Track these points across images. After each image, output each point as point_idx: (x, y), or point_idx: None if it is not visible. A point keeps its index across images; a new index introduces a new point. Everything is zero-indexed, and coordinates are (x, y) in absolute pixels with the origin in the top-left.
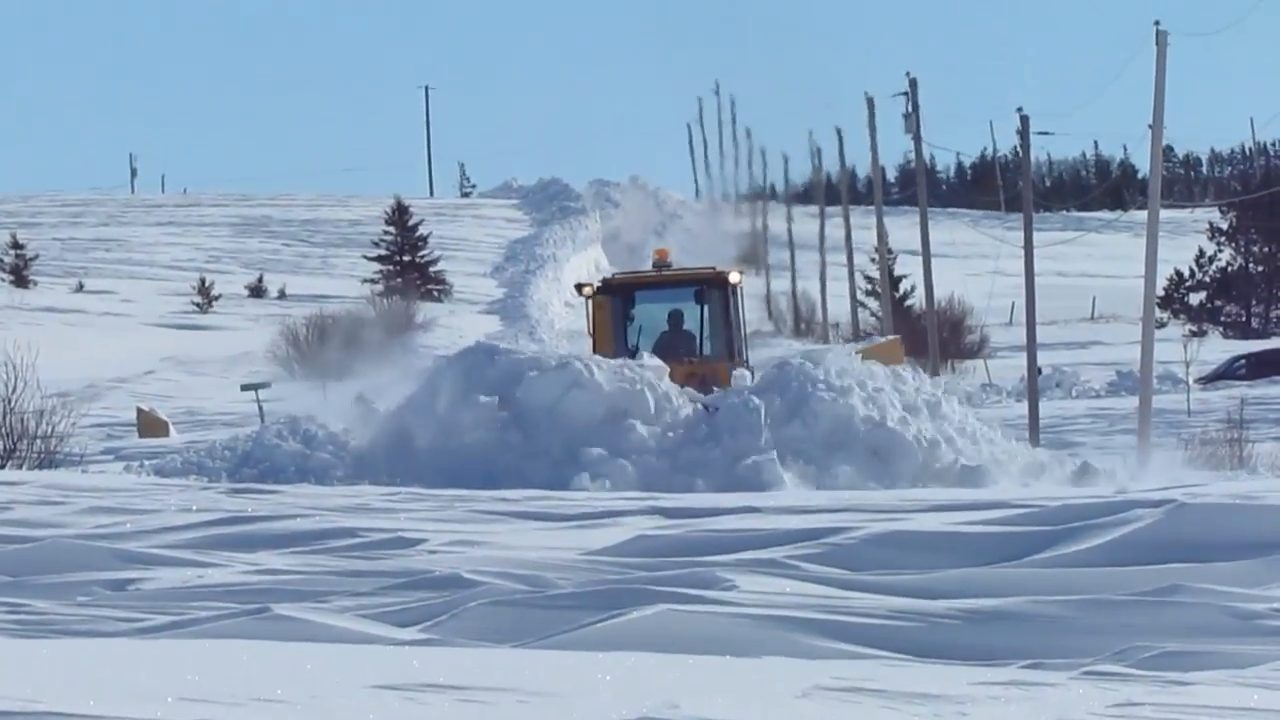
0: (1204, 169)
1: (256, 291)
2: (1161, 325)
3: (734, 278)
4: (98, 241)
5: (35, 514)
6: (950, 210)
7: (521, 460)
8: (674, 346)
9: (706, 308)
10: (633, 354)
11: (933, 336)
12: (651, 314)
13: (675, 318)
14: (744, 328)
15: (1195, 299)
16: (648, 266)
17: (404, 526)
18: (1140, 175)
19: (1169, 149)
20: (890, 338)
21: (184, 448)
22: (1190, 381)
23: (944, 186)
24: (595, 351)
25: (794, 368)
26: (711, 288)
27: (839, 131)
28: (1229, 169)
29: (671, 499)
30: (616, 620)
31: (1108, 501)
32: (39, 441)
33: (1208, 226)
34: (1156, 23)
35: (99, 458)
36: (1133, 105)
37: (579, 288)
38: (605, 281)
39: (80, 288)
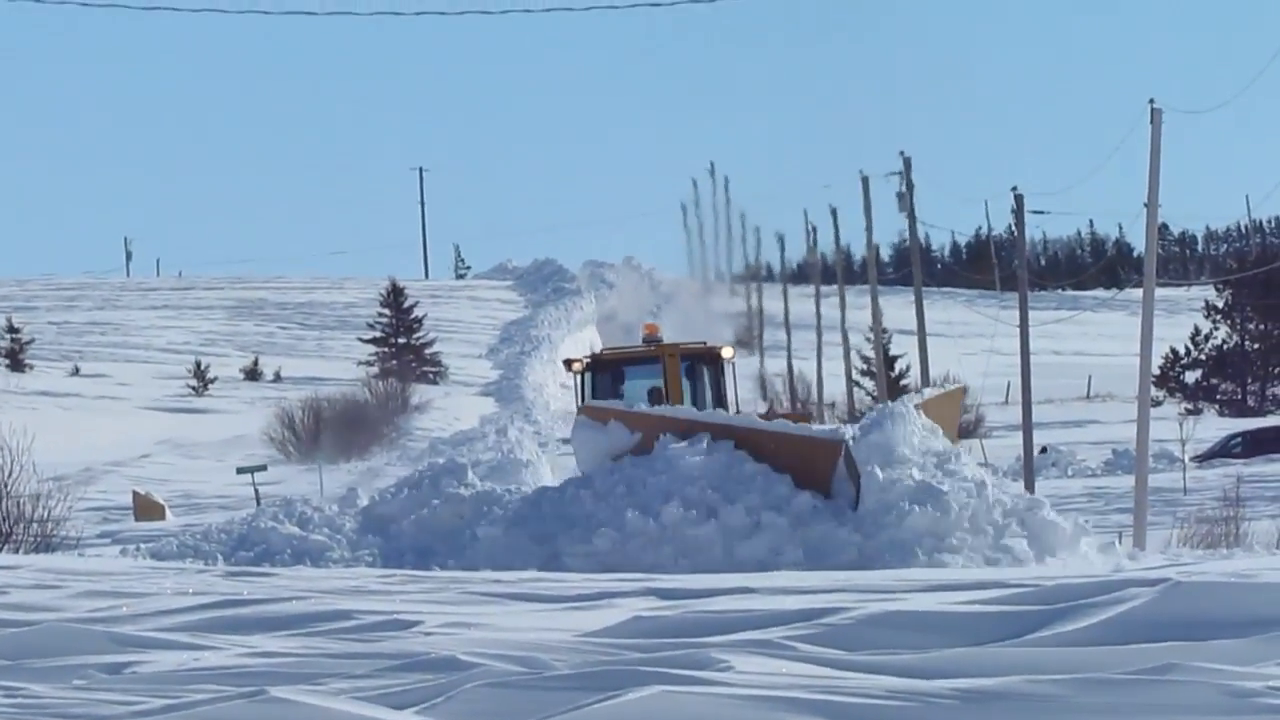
0: (1199, 247)
1: (252, 374)
2: (1157, 403)
3: (727, 353)
4: (93, 325)
5: (31, 598)
6: (945, 289)
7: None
8: None
9: (697, 382)
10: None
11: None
12: (640, 389)
13: (655, 395)
14: (737, 404)
15: (1191, 377)
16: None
17: (400, 608)
18: (1135, 253)
19: (1164, 227)
20: (954, 386)
21: (180, 531)
22: (1186, 460)
23: (939, 266)
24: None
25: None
26: (702, 362)
27: (833, 211)
28: (1224, 246)
29: (666, 580)
30: (612, 701)
31: (1104, 580)
32: (35, 525)
33: (1203, 304)
34: (1151, 100)
35: (95, 541)
36: (1128, 183)
37: (568, 363)
38: (595, 356)
39: (76, 371)
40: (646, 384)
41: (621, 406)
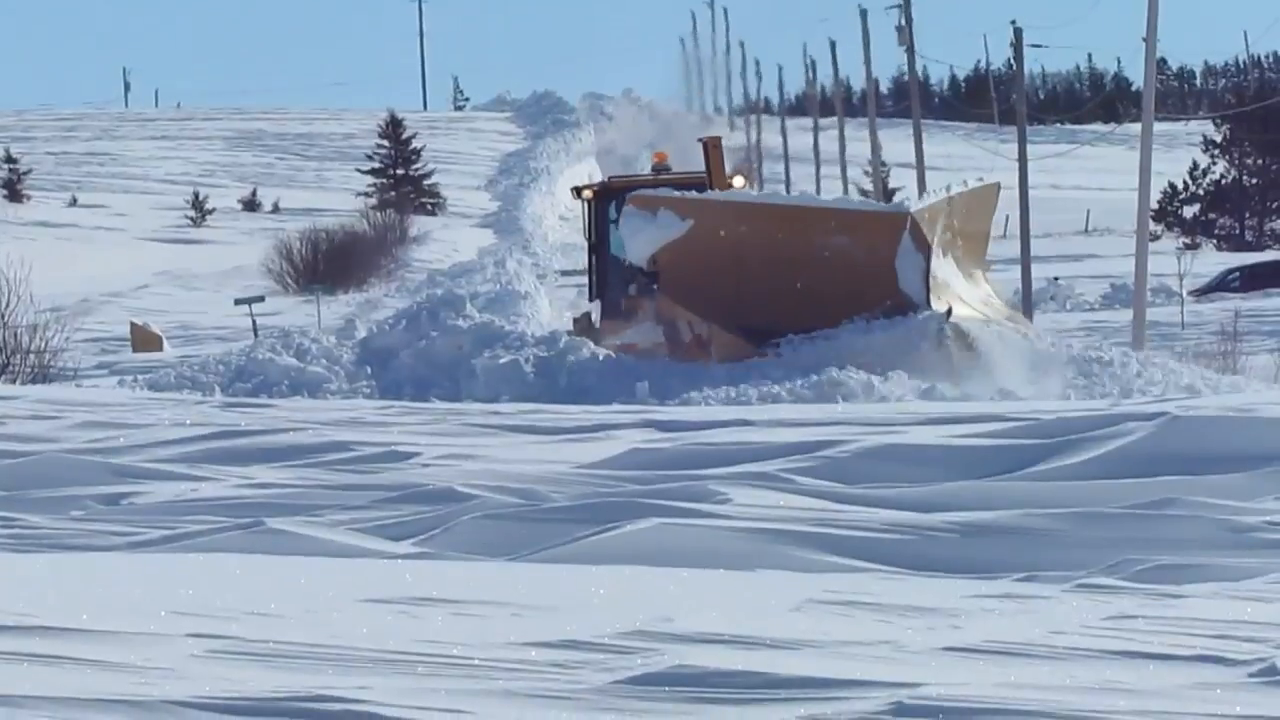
0: (1198, 82)
1: (250, 205)
2: (1155, 238)
3: (737, 182)
4: (91, 156)
5: (28, 429)
6: (944, 123)
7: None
8: None
9: None
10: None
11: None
12: None
13: None
14: None
15: (1189, 212)
16: (645, 173)
17: (397, 440)
18: (1134, 88)
19: (1162, 62)
20: (988, 182)
21: (177, 362)
22: (1184, 294)
23: (938, 100)
24: (591, 254)
25: None
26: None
27: (832, 44)
28: (1223, 82)
29: (665, 412)
30: (610, 534)
31: (1101, 414)
32: (32, 356)
33: (1201, 139)
34: None
35: (92, 372)
36: (1126, 18)
37: (576, 190)
38: (604, 184)
39: (74, 202)
40: None
41: (673, 193)
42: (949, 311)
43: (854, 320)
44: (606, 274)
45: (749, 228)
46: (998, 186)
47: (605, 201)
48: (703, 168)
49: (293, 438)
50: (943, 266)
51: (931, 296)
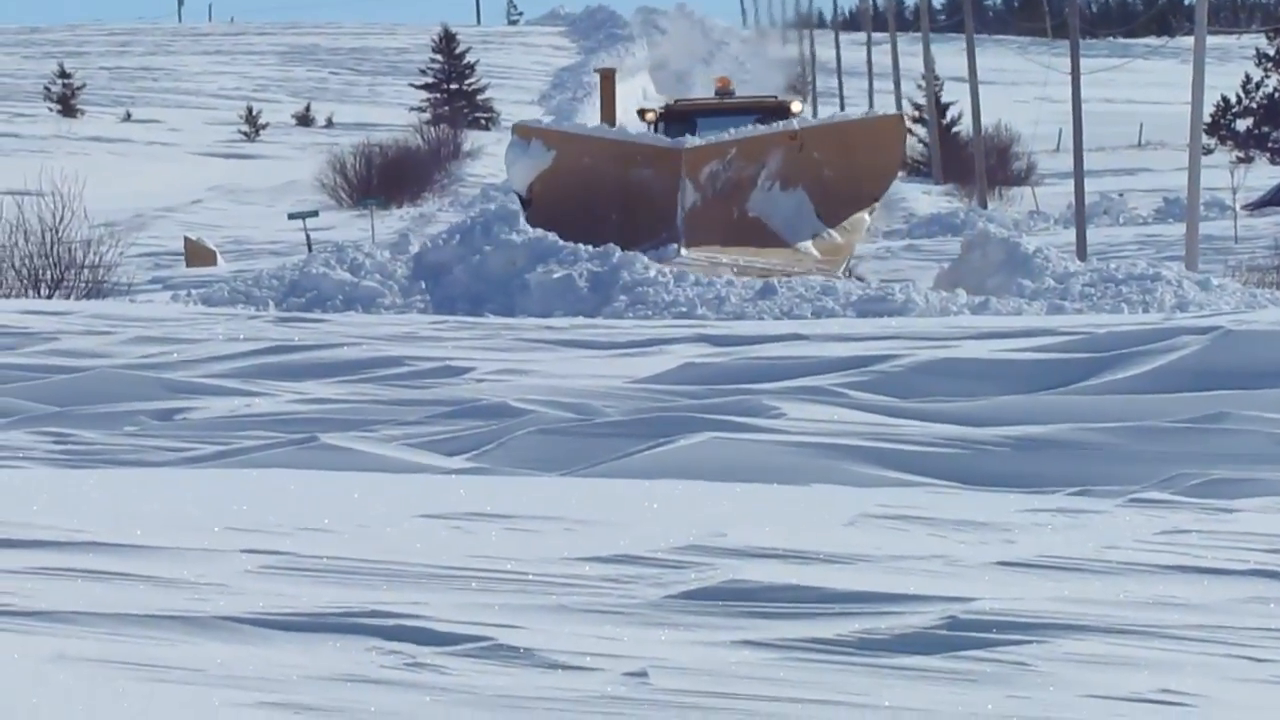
0: None
1: (304, 120)
2: (1208, 152)
3: (796, 107)
4: (144, 71)
5: (82, 344)
6: (997, 37)
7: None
8: None
9: None
10: None
11: (980, 163)
12: None
13: None
14: None
15: (1242, 125)
16: (697, 93)
17: (451, 355)
18: (1187, 2)
19: None
20: (890, 113)
21: (231, 277)
22: (1237, 208)
23: (991, 14)
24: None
25: None
26: (773, 116)
27: None
28: None
29: (719, 326)
30: (664, 448)
31: (1155, 328)
32: (86, 271)
33: (1255, 53)
34: None
35: (146, 287)
36: None
37: (641, 113)
38: (668, 107)
39: (127, 117)
40: (718, 136)
41: (543, 125)
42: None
43: (643, 249)
44: None
45: (591, 160)
46: (900, 117)
47: (669, 124)
48: (752, 84)
49: (346, 353)
50: (716, 205)
51: (685, 233)
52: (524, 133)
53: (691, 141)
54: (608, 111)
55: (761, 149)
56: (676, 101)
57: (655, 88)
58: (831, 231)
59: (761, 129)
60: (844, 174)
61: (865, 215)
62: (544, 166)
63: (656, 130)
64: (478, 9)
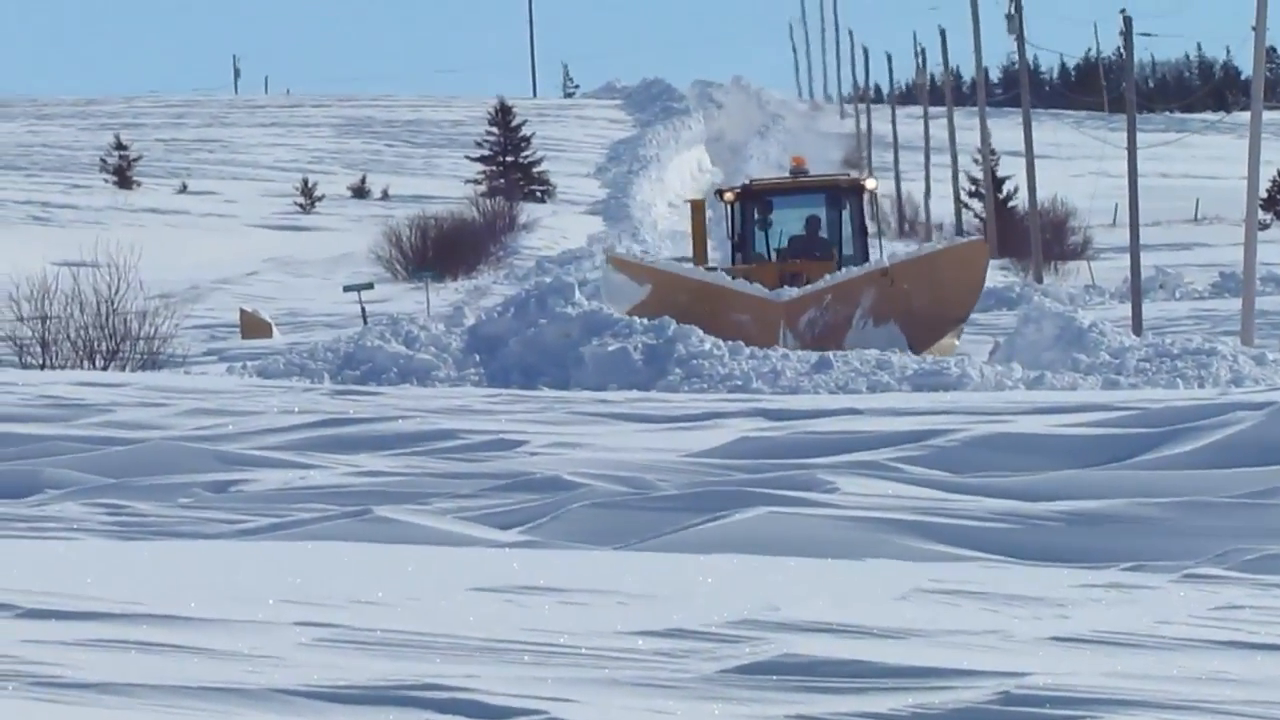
0: None
1: (359, 192)
2: (1265, 226)
3: (870, 184)
4: (201, 142)
5: (138, 416)
6: (1053, 111)
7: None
8: (807, 251)
9: (841, 213)
10: (771, 259)
11: (1036, 238)
12: (787, 219)
13: (812, 223)
14: (880, 236)
15: None
16: (753, 166)
17: (505, 428)
18: (1243, 76)
19: (1272, 50)
20: (974, 238)
21: (286, 349)
22: None
23: (1047, 88)
24: (735, 251)
25: None
26: (847, 194)
27: (942, 32)
28: None
29: (774, 400)
30: (718, 522)
31: (1210, 403)
32: (142, 343)
33: None
34: None
35: (202, 359)
36: (1235, 6)
37: (720, 193)
38: (745, 187)
39: (183, 189)
40: (794, 214)
41: (637, 259)
42: None
43: None
44: (749, 271)
45: (688, 299)
46: (984, 242)
47: (746, 203)
48: (835, 170)
49: (401, 425)
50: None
51: None
52: (618, 265)
53: (789, 293)
54: (698, 242)
55: (856, 290)
56: (753, 181)
57: (710, 160)
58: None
59: (855, 272)
60: (932, 302)
61: (954, 340)
62: (642, 297)
63: (734, 210)
64: (534, 81)
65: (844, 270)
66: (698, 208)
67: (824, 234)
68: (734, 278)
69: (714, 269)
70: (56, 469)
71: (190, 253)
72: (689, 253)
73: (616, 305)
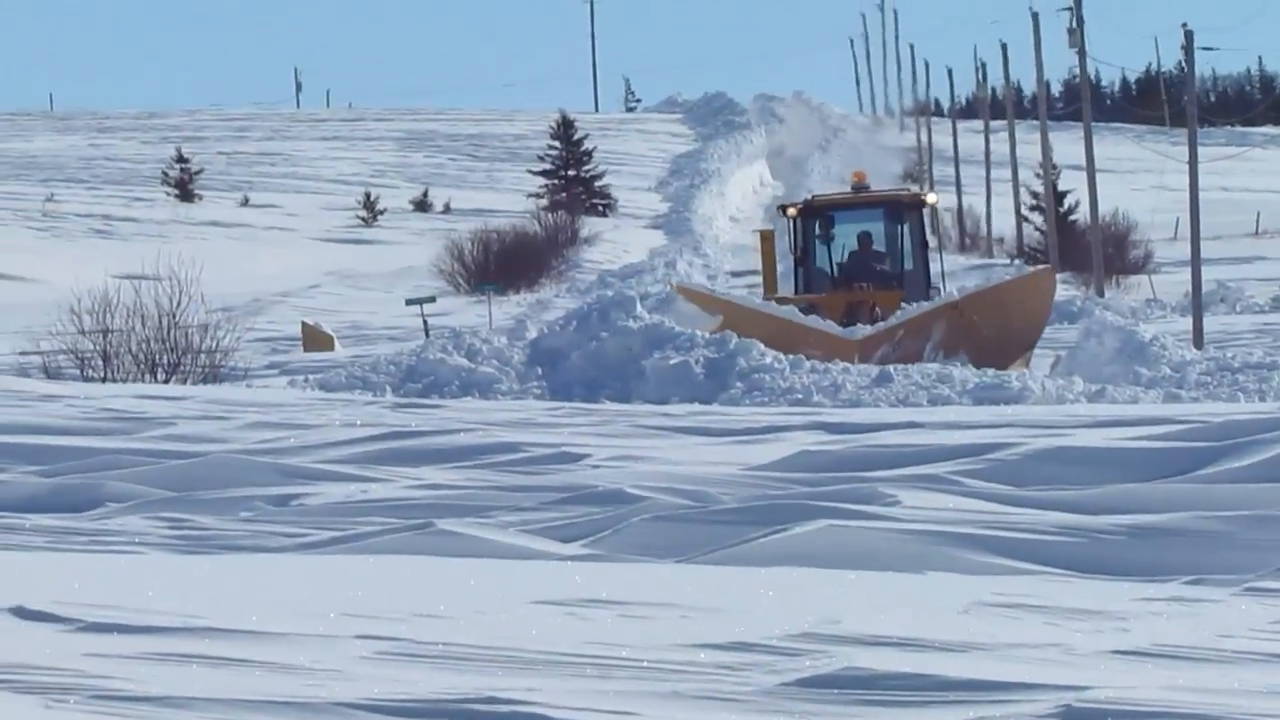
0: None
1: (421, 206)
2: None
3: (930, 199)
4: (263, 156)
5: (199, 429)
6: (1114, 125)
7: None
8: (863, 268)
9: (902, 228)
10: (830, 278)
11: (1097, 252)
12: (849, 234)
13: (864, 239)
14: (940, 251)
15: None
16: (814, 180)
17: (567, 441)
18: None
19: None
20: (1041, 267)
21: (348, 362)
22: None
23: (1108, 102)
24: (797, 266)
25: None
26: (908, 210)
27: (1003, 46)
28: None
29: (835, 413)
30: (779, 535)
31: (1271, 417)
32: (203, 356)
33: None
34: None
35: (263, 372)
36: None
37: (782, 208)
38: (807, 203)
39: (245, 202)
40: (855, 229)
41: (707, 290)
42: None
43: None
44: (810, 282)
45: (760, 333)
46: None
47: (808, 218)
48: (896, 185)
49: (463, 439)
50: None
51: None
52: (688, 295)
53: (863, 331)
54: (768, 272)
55: (927, 324)
56: (815, 197)
57: (772, 174)
58: None
59: (926, 306)
60: (1001, 331)
61: (1022, 367)
62: (712, 326)
63: (796, 225)
64: (595, 96)
65: (915, 305)
66: (766, 238)
67: (882, 248)
68: (802, 307)
69: (784, 298)
70: (118, 482)
71: (252, 266)
72: (748, 266)
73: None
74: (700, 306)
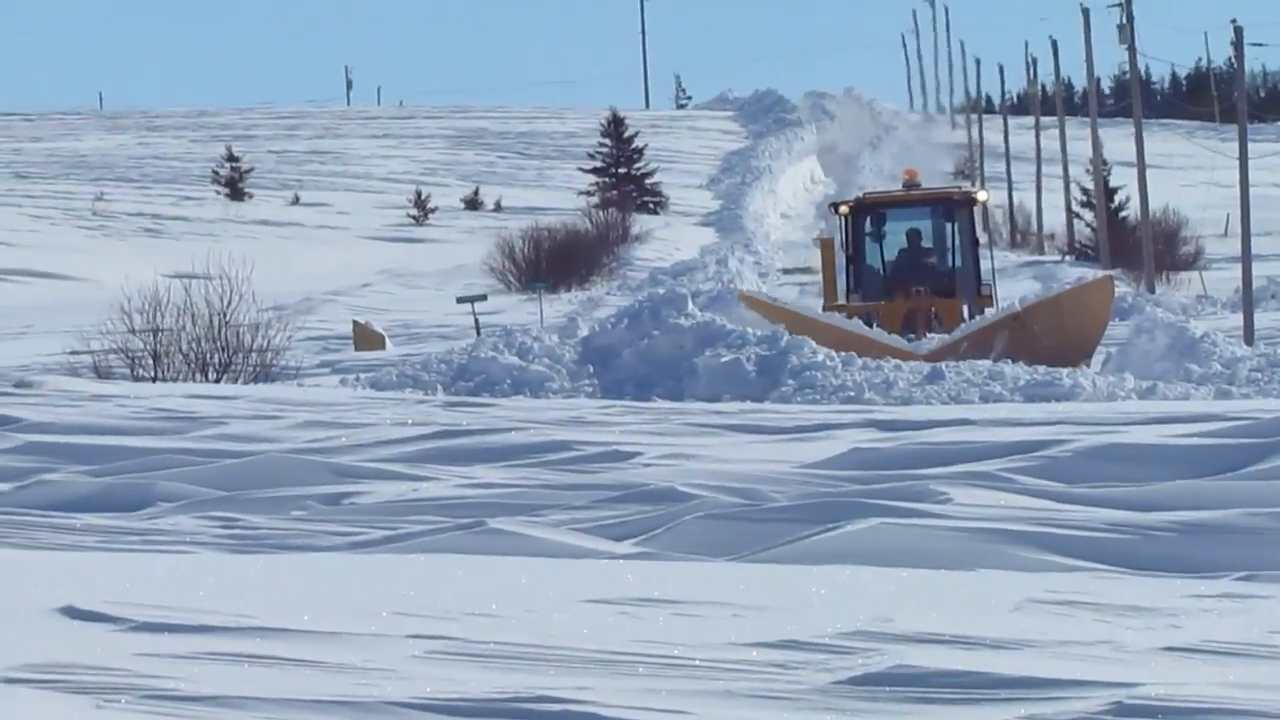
0: None
1: (472, 204)
2: None
3: (981, 196)
4: (313, 154)
5: (250, 428)
6: (1164, 121)
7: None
8: (914, 267)
9: (953, 226)
10: (882, 276)
11: (1148, 249)
12: (900, 232)
13: (913, 237)
14: (991, 248)
15: None
16: (865, 177)
17: (619, 440)
18: None
19: None
20: (1102, 274)
21: (399, 361)
22: None
23: (1158, 98)
24: (849, 263)
25: None
26: (959, 207)
27: (1054, 43)
28: None
29: (887, 411)
30: (831, 533)
31: None
32: (254, 355)
33: None
34: None
35: (314, 371)
36: None
37: (834, 206)
38: (858, 200)
39: (296, 200)
40: (905, 226)
41: (768, 300)
42: None
43: None
44: (861, 280)
45: (819, 341)
46: (1112, 278)
47: (860, 216)
48: (947, 183)
49: (514, 437)
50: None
51: None
52: (749, 303)
53: (929, 344)
54: (828, 281)
55: (990, 336)
56: (866, 195)
57: (823, 171)
58: None
59: (989, 318)
60: (1061, 340)
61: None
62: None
63: (847, 223)
64: (646, 93)
65: (978, 318)
66: (827, 246)
67: (931, 245)
68: (863, 318)
69: (844, 306)
70: (169, 482)
71: (302, 264)
72: (799, 263)
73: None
74: (761, 314)
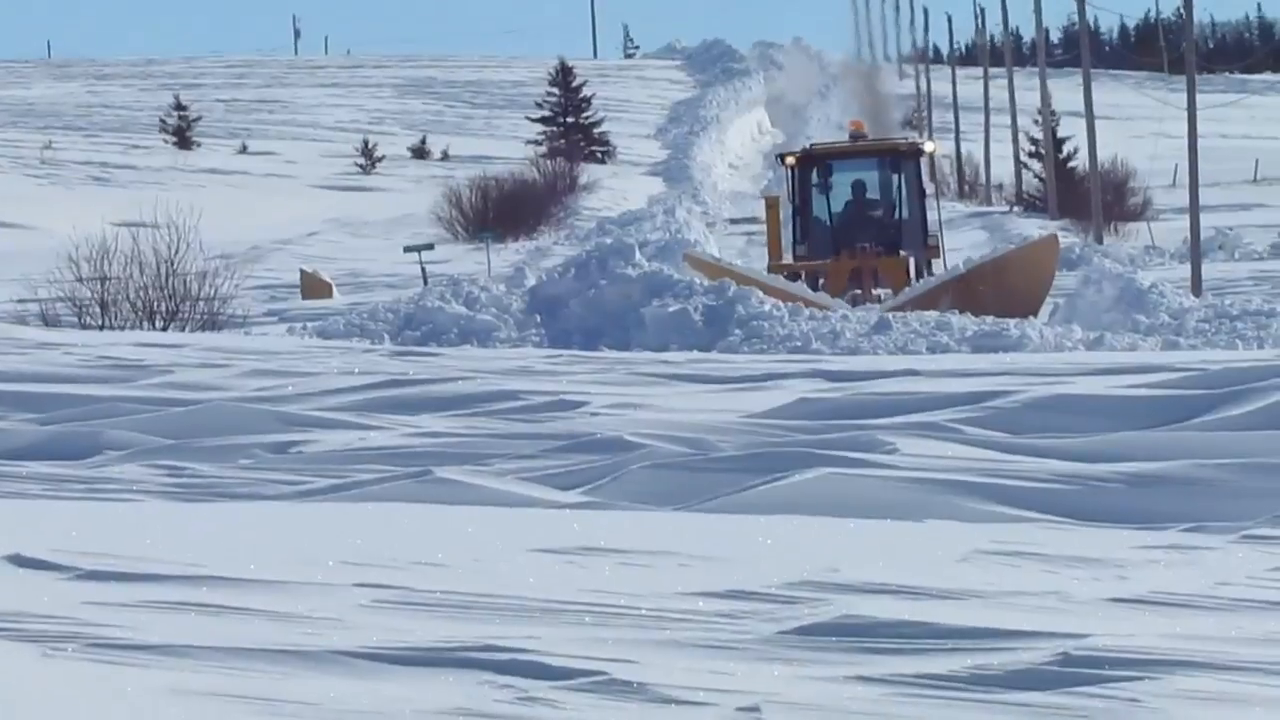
0: None
1: (419, 153)
2: None
3: (928, 147)
4: (261, 103)
5: (197, 377)
6: (1113, 72)
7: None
8: (861, 220)
9: (900, 177)
10: (829, 229)
11: (1096, 199)
12: (847, 183)
13: (858, 189)
14: (938, 198)
15: None
16: (812, 128)
17: (566, 389)
18: None
19: None
20: (1046, 235)
21: (347, 309)
22: None
23: (1107, 49)
24: (795, 214)
25: None
26: (906, 158)
27: None
28: None
29: (833, 361)
30: (778, 483)
31: (1270, 364)
32: (201, 304)
33: None
34: None
35: (262, 320)
36: None
37: (781, 157)
38: (806, 151)
39: (243, 149)
40: (852, 177)
41: (711, 259)
42: None
43: None
44: (809, 233)
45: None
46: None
47: (807, 167)
48: (897, 134)
49: (461, 386)
50: None
51: None
52: (694, 264)
53: (873, 310)
54: (773, 240)
55: (936, 297)
56: (814, 145)
57: (771, 121)
58: None
59: (933, 282)
60: (1006, 299)
61: None
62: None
63: (794, 174)
64: (594, 42)
65: (922, 282)
66: (772, 205)
67: (879, 197)
68: (807, 277)
69: (788, 265)
70: (116, 430)
71: (250, 213)
72: (746, 213)
73: None
74: (706, 275)
